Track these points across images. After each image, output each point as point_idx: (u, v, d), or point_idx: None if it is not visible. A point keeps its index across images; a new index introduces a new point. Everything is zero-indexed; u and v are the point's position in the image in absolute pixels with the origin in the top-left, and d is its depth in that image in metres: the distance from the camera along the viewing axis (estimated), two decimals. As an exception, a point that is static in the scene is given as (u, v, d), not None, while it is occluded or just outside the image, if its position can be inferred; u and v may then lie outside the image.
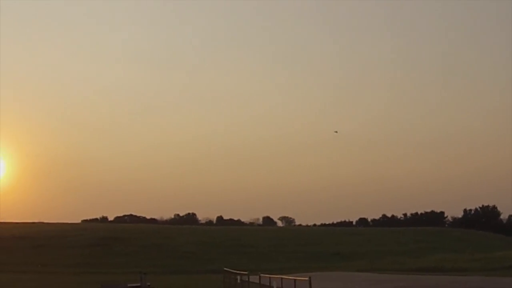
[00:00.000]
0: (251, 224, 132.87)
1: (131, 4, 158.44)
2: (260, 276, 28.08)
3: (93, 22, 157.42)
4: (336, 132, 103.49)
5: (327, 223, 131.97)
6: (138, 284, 34.87)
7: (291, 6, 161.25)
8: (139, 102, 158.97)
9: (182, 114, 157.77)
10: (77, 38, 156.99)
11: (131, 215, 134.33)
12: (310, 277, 21.48)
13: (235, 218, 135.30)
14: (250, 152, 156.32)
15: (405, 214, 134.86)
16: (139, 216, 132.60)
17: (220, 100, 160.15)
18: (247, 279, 30.39)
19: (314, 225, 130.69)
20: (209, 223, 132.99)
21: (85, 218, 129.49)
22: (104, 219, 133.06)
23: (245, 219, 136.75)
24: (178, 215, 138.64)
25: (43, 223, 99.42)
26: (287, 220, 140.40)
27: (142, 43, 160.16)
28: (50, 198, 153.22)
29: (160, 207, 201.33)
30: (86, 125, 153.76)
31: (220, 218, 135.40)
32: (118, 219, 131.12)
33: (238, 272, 34.57)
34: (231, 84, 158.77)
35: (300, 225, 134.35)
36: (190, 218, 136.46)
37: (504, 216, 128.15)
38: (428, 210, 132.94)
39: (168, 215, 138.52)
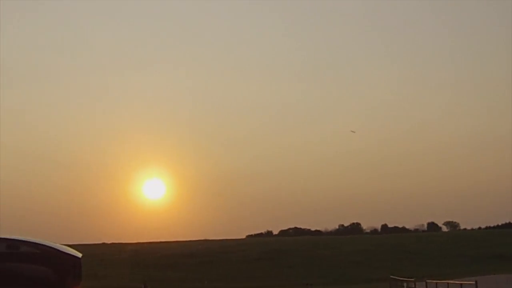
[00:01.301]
0: (416, 230, 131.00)
1: (270, 17, 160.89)
2: (426, 282, 28.08)
3: (235, 40, 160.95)
4: (354, 131, 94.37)
5: (491, 225, 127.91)
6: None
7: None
8: (291, 115, 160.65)
9: (335, 124, 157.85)
10: (219, 56, 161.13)
11: (295, 228, 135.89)
12: (476, 281, 21.40)
13: (400, 226, 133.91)
14: (413, 158, 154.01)
15: None
16: (304, 229, 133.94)
17: (376, 111, 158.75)
18: (413, 286, 30.41)
19: (479, 228, 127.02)
20: (374, 231, 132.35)
21: (249, 233, 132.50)
22: (268, 233, 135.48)
23: (409, 225, 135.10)
24: (342, 225, 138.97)
25: (208, 240, 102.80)
26: (451, 224, 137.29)
27: (285, 56, 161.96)
28: (214, 215, 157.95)
29: (324, 219, 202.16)
30: (240, 141, 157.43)
31: (384, 226, 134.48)
32: (282, 233, 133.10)
33: (404, 279, 34.58)
34: (389, 94, 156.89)
35: (465, 229, 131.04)
36: (355, 228, 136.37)
37: None
38: None
39: (332, 226, 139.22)
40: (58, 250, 18.34)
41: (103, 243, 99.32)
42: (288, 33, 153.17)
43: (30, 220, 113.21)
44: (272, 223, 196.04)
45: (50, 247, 18.37)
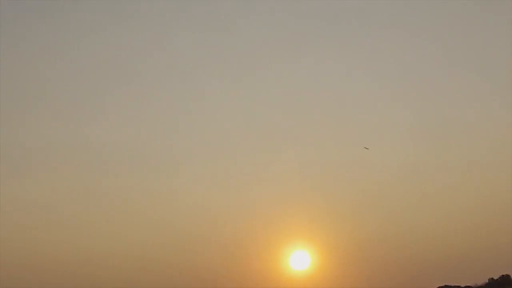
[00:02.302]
0: None
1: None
2: None
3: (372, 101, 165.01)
4: (367, 148, 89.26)
5: None
6: None
7: None
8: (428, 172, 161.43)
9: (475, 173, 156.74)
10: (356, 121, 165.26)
11: (445, 286, 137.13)
12: None
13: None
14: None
15: None
16: (453, 286, 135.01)
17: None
18: None
19: None
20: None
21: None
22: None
23: None
24: (492, 278, 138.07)
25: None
26: None
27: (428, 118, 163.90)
28: (361, 281, 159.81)
29: (471, 272, 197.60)
30: (379, 204, 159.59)
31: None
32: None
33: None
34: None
35: None
36: (505, 280, 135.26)
37: None
38: None
39: (482, 280, 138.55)
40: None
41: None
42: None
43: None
44: (421, 283, 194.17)
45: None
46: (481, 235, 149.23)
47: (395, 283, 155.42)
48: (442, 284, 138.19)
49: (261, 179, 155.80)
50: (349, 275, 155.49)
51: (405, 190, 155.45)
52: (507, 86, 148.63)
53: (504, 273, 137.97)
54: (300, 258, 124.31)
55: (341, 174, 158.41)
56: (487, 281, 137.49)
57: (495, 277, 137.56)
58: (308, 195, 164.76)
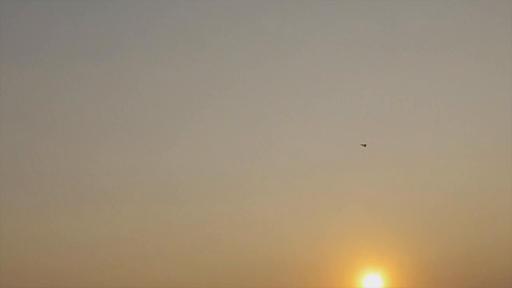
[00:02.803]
0: None
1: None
2: None
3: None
4: (364, 145, 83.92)
5: None
6: None
7: None
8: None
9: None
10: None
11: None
12: None
13: None
14: None
15: None
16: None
17: None
18: None
19: None
20: None
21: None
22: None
23: None
24: None
25: None
26: None
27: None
28: None
29: None
30: (455, 226, 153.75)
31: None
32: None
33: None
34: None
35: None
36: None
37: None
38: None
39: None
40: None
41: None
42: None
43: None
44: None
45: None
46: None
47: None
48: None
49: (337, 202, 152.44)
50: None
51: (476, 207, 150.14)
52: None
53: None
54: (372, 282, 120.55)
55: (411, 196, 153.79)
56: None
57: None
58: (380, 217, 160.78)
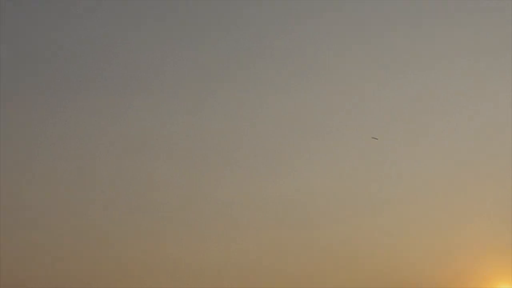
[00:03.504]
0: None
1: None
2: None
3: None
4: (376, 138, 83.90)
5: None
6: None
7: None
8: None
9: None
10: None
11: None
12: None
13: None
14: None
15: None
16: None
17: None
18: None
19: None
20: None
21: None
22: None
23: None
24: None
25: None
26: None
27: None
28: None
29: None
30: None
31: None
32: None
33: None
34: None
35: None
36: None
37: None
38: None
39: None
40: None
41: None
42: None
43: None
44: None
45: None
46: None
47: None
48: None
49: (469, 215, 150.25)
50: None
51: None
52: None
53: None
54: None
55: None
56: None
57: None
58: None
